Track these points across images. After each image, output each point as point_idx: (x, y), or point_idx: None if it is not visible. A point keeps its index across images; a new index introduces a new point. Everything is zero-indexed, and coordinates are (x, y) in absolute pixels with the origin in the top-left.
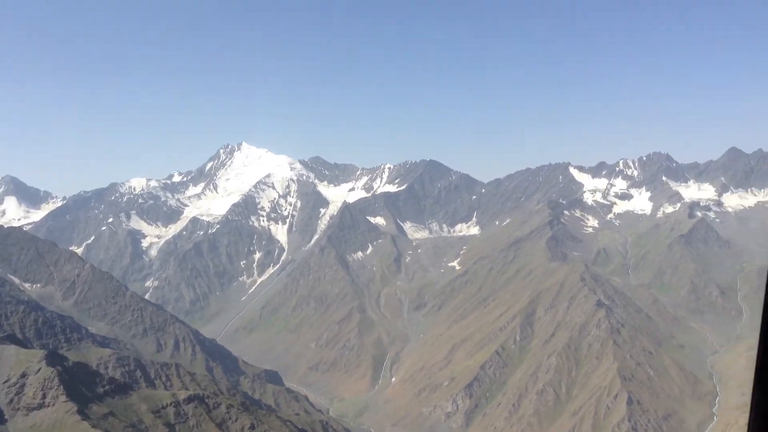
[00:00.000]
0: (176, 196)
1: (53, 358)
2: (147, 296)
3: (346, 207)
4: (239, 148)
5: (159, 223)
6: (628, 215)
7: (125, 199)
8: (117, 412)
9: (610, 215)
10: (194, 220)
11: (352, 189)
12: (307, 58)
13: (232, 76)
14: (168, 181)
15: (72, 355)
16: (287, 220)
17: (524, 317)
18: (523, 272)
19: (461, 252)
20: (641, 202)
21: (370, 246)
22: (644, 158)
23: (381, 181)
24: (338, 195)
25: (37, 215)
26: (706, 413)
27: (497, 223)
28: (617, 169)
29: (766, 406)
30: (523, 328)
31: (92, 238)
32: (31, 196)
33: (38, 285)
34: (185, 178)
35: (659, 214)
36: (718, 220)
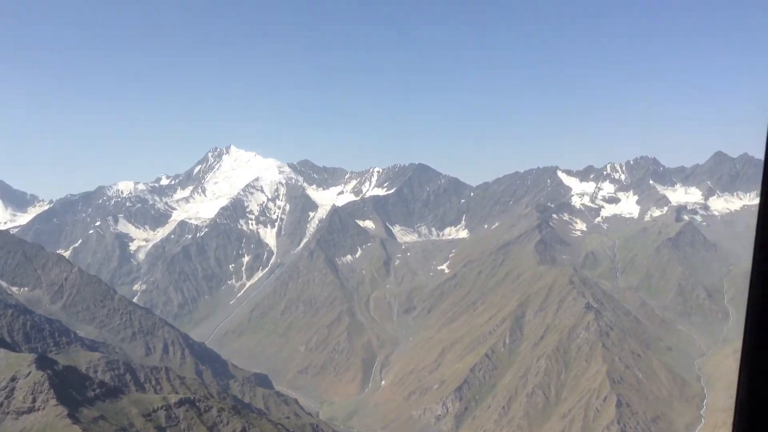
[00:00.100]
0: (164, 199)
1: (43, 362)
2: (135, 300)
3: (335, 210)
4: (228, 152)
5: (147, 227)
6: (616, 219)
7: (113, 203)
8: (108, 416)
9: (598, 219)
10: (182, 224)
11: (341, 192)
12: (295, 61)
13: (220, 80)
14: (156, 185)
15: (61, 358)
16: (276, 224)
17: (513, 320)
18: (512, 275)
19: (450, 255)
20: (629, 205)
21: (360, 249)
22: (631, 162)
23: (370, 185)
24: (327, 198)
25: (24, 219)
26: (694, 415)
27: (486, 226)
28: (605, 173)
29: (751, 407)
30: (513, 331)
31: (79, 241)
32: (17, 200)
33: (26, 288)
34: (173, 182)
35: (647, 217)
36: (704, 223)
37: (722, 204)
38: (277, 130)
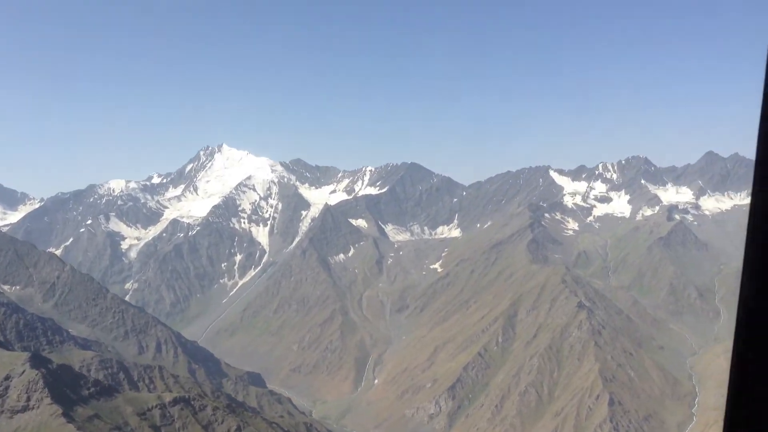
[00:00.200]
0: (156, 197)
1: (37, 361)
2: (127, 298)
3: (327, 209)
4: (220, 150)
5: (138, 225)
6: (608, 218)
7: (104, 201)
8: (102, 415)
9: (590, 218)
10: (174, 222)
11: (334, 191)
12: (288, 60)
13: (212, 78)
14: (147, 183)
15: (54, 357)
16: (268, 222)
17: (506, 319)
18: (505, 274)
19: (443, 254)
20: (620, 205)
21: (352, 248)
22: (623, 162)
23: (362, 184)
24: (319, 197)
25: (15, 217)
26: (685, 414)
27: (478, 225)
28: (597, 172)
29: (741, 405)
30: (505, 330)
31: (71, 240)
32: (7, 198)
33: (17, 287)
34: (165, 180)
35: (638, 217)
36: (695, 223)
37: (713, 203)
38: (270, 128)
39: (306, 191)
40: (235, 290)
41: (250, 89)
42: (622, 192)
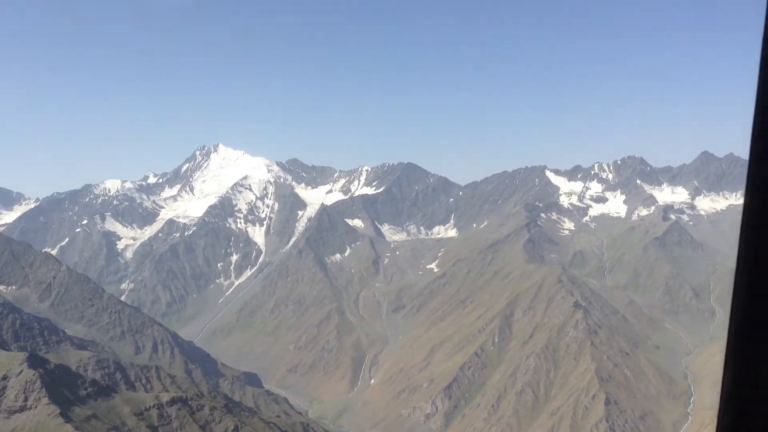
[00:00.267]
0: (152, 197)
1: (35, 361)
2: (122, 298)
3: (324, 209)
4: (216, 150)
5: (134, 225)
6: (604, 218)
7: (100, 201)
8: (100, 415)
9: (586, 218)
10: (170, 222)
11: (330, 191)
12: (284, 60)
13: (208, 78)
14: (143, 183)
15: (51, 357)
16: (265, 222)
17: (503, 319)
18: (501, 274)
19: (439, 254)
20: (616, 205)
21: (348, 248)
22: (619, 162)
23: (359, 184)
24: (316, 197)
25: (10, 217)
26: (681, 413)
27: (475, 225)
28: (592, 172)
29: (735, 404)
30: (502, 330)
31: (66, 240)
32: (3, 198)
33: (13, 287)
34: (161, 180)
35: (634, 216)
36: (691, 222)
37: (708, 203)
38: (266, 128)
39: (302, 191)
40: (231, 290)
41: (246, 89)
42: (618, 192)
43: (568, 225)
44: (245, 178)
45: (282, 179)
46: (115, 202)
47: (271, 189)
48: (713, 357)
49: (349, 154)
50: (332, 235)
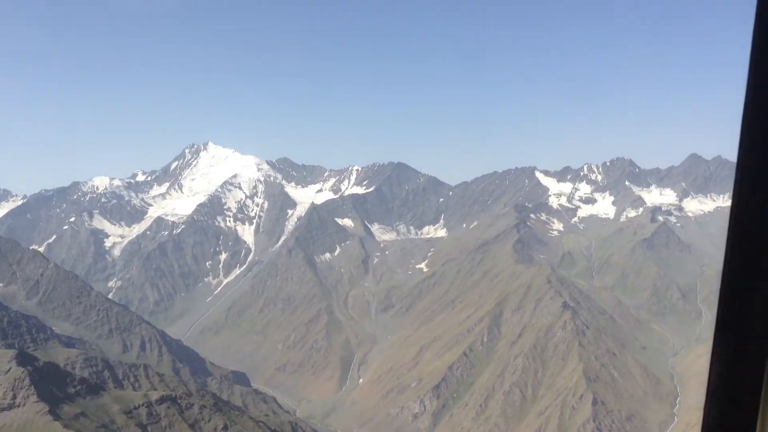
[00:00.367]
0: (140, 195)
1: (23, 358)
2: (110, 296)
3: (314, 208)
4: (205, 148)
5: (122, 223)
6: (592, 219)
7: (88, 198)
8: (89, 413)
9: (575, 219)
10: (159, 220)
11: (320, 190)
12: (274, 58)
13: (197, 75)
14: (132, 181)
15: (39, 355)
16: (254, 221)
17: (491, 319)
18: (490, 274)
19: (429, 254)
20: (605, 206)
21: (338, 247)
22: (608, 163)
23: (349, 183)
24: (306, 196)
25: None
26: (667, 413)
27: (464, 225)
28: (582, 173)
29: (719, 405)
30: (491, 330)
31: (54, 237)
32: None
33: (0, 284)
34: (149, 178)
35: (622, 218)
36: (678, 224)
37: (696, 205)
38: (256, 127)
39: (292, 190)
40: (219, 289)
41: (236, 87)
42: (607, 193)
43: (557, 226)
44: (235, 176)
45: (272, 178)
46: (103, 200)
47: (260, 187)
48: (700, 358)
49: (339, 153)
50: (322, 235)
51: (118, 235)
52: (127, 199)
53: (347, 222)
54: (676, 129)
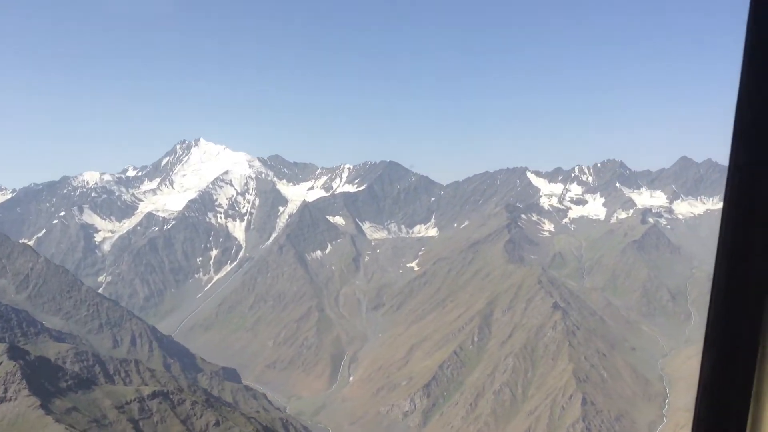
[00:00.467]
0: (131, 190)
1: (15, 352)
2: (100, 291)
3: (305, 206)
4: (197, 144)
5: (113, 218)
6: (583, 220)
7: (78, 193)
8: (80, 407)
9: (566, 220)
10: (149, 216)
11: (312, 188)
12: (266, 55)
13: (189, 71)
14: (122, 176)
15: (30, 349)
16: (245, 218)
17: (482, 318)
18: (481, 274)
19: (420, 253)
20: (595, 207)
21: (329, 245)
22: (599, 165)
23: (340, 181)
24: (297, 194)
25: None
26: (656, 414)
27: (455, 225)
28: (573, 174)
29: (709, 407)
30: (481, 329)
31: (43, 231)
32: None
33: None
34: (140, 173)
35: (613, 219)
36: (669, 226)
37: (686, 208)
38: (247, 123)
39: (284, 187)
40: (210, 285)
41: (227, 83)
42: (598, 195)
43: (548, 226)
44: (226, 173)
45: (263, 175)
46: (93, 195)
47: (252, 184)
48: (689, 359)
49: (331, 151)
50: (313, 232)
51: (108, 230)
52: (117, 194)
53: (338, 220)
54: (667, 131)
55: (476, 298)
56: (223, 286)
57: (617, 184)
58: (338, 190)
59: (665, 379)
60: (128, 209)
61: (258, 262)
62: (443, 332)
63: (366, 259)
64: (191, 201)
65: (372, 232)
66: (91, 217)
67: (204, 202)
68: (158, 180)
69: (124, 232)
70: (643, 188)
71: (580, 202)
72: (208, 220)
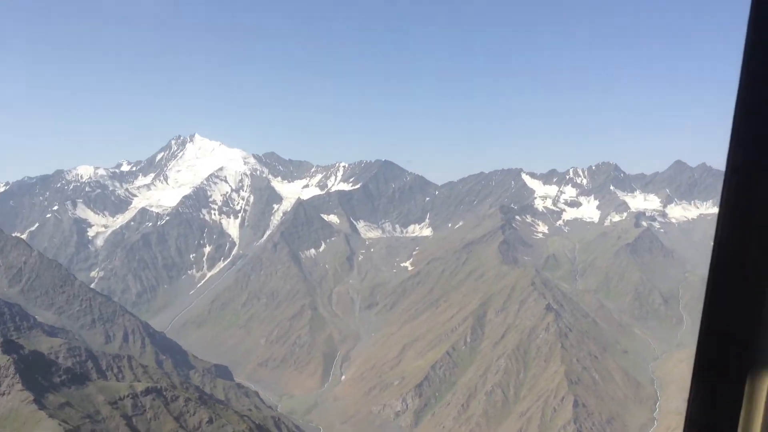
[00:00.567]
0: (125, 185)
1: (9, 346)
2: (92, 286)
3: (300, 204)
4: (191, 140)
5: (106, 213)
6: (577, 222)
7: (71, 187)
8: (73, 403)
9: (560, 222)
10: (143, 211)
11: (306, 186)
12: (262, 52)
13: (185, 67)
14: (116, 170)
15: (23, 343)
16: (239, 215)
17: (475, 319)
18: (475, 275)
19: (414, 253)
20: (589, 210)
21: (323, 243)
22: (593, 167)
23: (335, 179)
24: (292, 191)
25: None
26: (647, 417)
27: (450, 225)
28: (567, 177)
29: (701, 409)
30: (474, 330)
31: (36, 225)
32: None
33: None
34: (134, 168)
35: (606, 222)
36: (662, 230)
37: (680, 212)
38: (243, 120)
39: (278, 185)
40: (203, 282)
41: (223, 80)
42: (592, 197)
43: (542, 228)
44: (221, 169)
45: (258, 172)
46: (87, 189)
47: (246, 181)
48: (680, 363)
49: (326, 149)
50: (307, 230)
51: (101, 225)
52: (111, 188)
53: (333, 218)
54: (662, 135)
55: (469, 298)
56: (216, 282)
57: (611, 187)
58: (333, 189)
59: (656, 383)
60: (122, 204)
61: (252, 259)
62: (436, 332)
63: (360, 258)
64: (185, 197)
65: (366, 231)
66: (84, 212)
67: (198, 198)
68: (152, 175)
69: (118, 227)
70: (637, 191)
71: (574, 204)
72: (202, 216)
